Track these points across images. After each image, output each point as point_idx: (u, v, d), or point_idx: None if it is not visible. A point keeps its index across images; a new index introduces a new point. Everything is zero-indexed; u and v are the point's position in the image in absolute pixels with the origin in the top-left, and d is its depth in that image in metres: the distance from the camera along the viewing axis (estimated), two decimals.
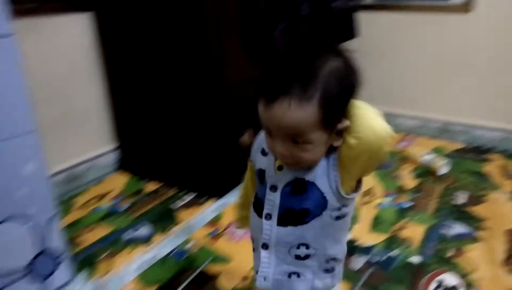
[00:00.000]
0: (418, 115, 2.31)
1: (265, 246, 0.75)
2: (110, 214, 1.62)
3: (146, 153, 1.88)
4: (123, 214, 1.62)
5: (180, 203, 1.70)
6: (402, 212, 1.59)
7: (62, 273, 1.21)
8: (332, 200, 0.69)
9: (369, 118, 0.63)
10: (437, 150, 2.08)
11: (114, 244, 1.43)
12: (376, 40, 2.28)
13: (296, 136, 0.63)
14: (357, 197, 0.74)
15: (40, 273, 1.15)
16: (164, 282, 1.25)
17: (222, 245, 1.42)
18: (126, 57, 1.75)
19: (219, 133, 1.67)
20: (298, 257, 0.74)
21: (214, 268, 1.31)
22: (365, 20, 2.14)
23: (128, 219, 1.58)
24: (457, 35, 2.08)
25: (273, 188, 0.72)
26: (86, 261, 1.34)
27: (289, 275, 0.75)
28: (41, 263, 1.14)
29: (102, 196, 1.75)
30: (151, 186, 1.83)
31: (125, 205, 1.68)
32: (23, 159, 1.04)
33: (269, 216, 0.73)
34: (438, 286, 1.21)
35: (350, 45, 2.09)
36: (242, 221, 0.94)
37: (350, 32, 2.07)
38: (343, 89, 0.62)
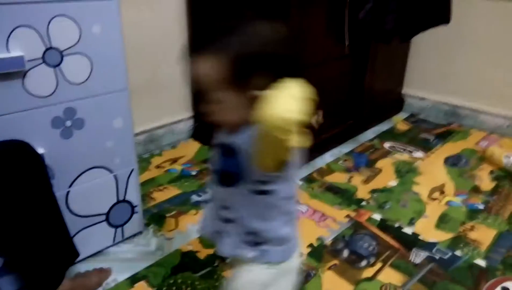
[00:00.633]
0: (506, 114, 2.14)
1: (210, 200, 0.78)
2: (180, 177, 1.73)
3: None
4: (192, 178, 1.72)
5: None
6: (473, 213, 1.51)
7: (134, 224, 1.33)
8: (249, 172, 0.67)
9: (278, 98, 0.57)
10: None
11: (181, 205, 1.54)
12: (470, 28, 2.13)
13: (209, 92, 0.64)
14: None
15: (116, 220, 1.27)
16: None
17: None
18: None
19: None
20: (222, 219, 0.75)
21: None
22: (460, 5, 2.01)
23: (196, 183, 1.68)
24: None
25: (214, 146, 0.73)
26: (155, 217, 1.46)
27: (215, 232, 0.77)
28: (119, 212, 1.27)
29: (174, 160, 1.87)
30: None
31: (194, 170, 1.79)
32: (114, 114, 1.15)
33: (213, 172, 0.74)
34: None
35: (441, 31, 1.99)
36: None
37: (444, 16, 1.96)
38: (259, 54, 0.61)
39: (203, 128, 2.04)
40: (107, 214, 1.24)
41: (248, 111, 0.62)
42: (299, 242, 0.79)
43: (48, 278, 1.01)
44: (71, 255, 1.07)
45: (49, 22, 0.96)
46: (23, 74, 0.95)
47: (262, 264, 0.73)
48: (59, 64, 1.00)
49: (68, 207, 1.13)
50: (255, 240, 0.72)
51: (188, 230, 1.40)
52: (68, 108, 1.05)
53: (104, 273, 1.15)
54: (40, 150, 1.01)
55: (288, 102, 0.56)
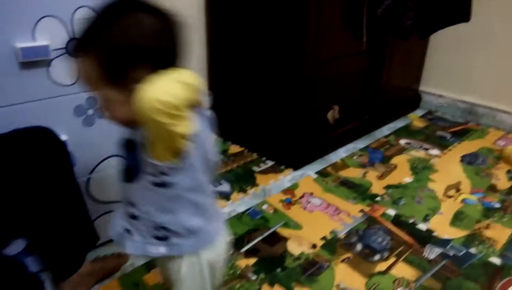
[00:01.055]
0: None
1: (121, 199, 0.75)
2: None
3: (233, 117, 1.99)
4: None
5: (259, 168, 1.78)
6: (488, 212, 1.50)
7: None
8: (146, 164, 0.64)
9: (156, 81, 0.56)
10: None
11: None
12: (489, 26, 2.10)
13: (93, 92, 0.63)
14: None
15: None
16: (238, 235, 1.34)
17: (295, 212, 1.47)
18: (228, 23, 1.83)
19: (305, 106, 1.70)
20: (129, 215, 0.72)
21: (285, 231, 1.37)
22: (480, 3, 1.98)
23: None
24: None
25: (120, 143, 0.71)
26: None
27: (125, 231, 0.73)
28: None
29: None
30: (234, 149, 1.94)
31: None
32: None
33: (121, 170, 0.71)
34: None
35: (460, 28, 1.96)
36: None
37: (464, 14, 1.94)
38: (128, 47, 0.59)
39: (220, 119, 2.06)
40: None
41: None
42: (218, 231, 0.77)
43: (69, 261, 1.05)
44: (92, 239, 1.11)
45: (74, 13, 0.99)
46: (48, 63, 0.98)
47: (178, 257, 0.72)
48: None
49: (89, 193, 1.16)
50: (164, 234, 0.70)
51: None
52: (90, 97, 1.08)
53: (122, 258, 1.18)
54: (63, 137, 1.04)
55: (166, 85, 0.56)
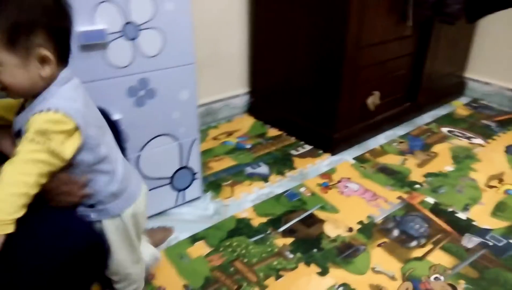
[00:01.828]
0: None
1: None
2: (236, 149, 1.81)
3: (272, 101, 2.01)
4: (247, 151, 1.80)
5: (297, 152, 1.81)
6: None
7: (194, 189, 1.43)
8: None
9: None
10: None
11: (236, 175, 1.62)
12: None
13: None
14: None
15: (179, 184, 1.37)
16: (275, 216, 1.39)
17: (332, 196, 1.50)
18: (270, 9, 1.85)
19: (344, 92, 1.70)
20: None
21: (322, 214, 1.40)
22: None
23: (251, 156, 1.75)
24: None
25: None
26: (213, 185, 1.55)
27: None
28: (181, 177, 1.37)
29: (230, 133, 1.95)
30: (272, 132, 1.97)
31: (249, 144, 1.86)
32: (181, 86, 1.23)
33: None
34: None
35: (510, 14, 1.87)
36: None
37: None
38: (26, 12, 0.64)
39: (260, 103, 2.10)
40: (171, 178, 1.34)
41: (37, 73, 0.67)
42: (137, 187, 0.86)
43: None
44: None
45: None
46: (105, 46, 1.05)
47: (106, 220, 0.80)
48: (135, 38, 1.09)
49: (138, 169, 1.24)
50: (91, 202, 0.78)
51: (243, 198, 1.48)
52: (142, 78, 1.15)
53: (167, 231, 1.26)
54: (117, 116, 1.11)
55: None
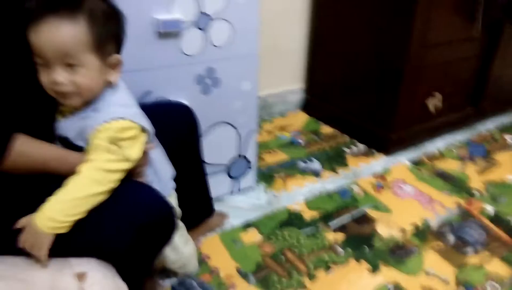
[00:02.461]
0: None
1: None
2: (289, 144, 1.83)
3: (327, 99, 2.01)
4: (300, 147, 1.81)
5: (351, 150, 1.80)
6: None
7: (248, 179, 1.47)
8: None
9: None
10: None
11: (289, 169, 1.64)
12: None
13: (69, 57, 0.64)
14: None
15: (235, 172, 1.42)
16: (327, 211, 1.40)
17: (385, 197, 1.48)
18: (331, 5, 1.85)
19: (404, 92, 1.67)
20: None
21: (375, 213, 1.40)
22: None
23: (304, 152, 1.77)
24: None
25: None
26: (266, 176, 1.59)
27: None
28: (237, 165, 1.41)
29: (283, 128, 1.98)
30: (326, 129, 1.98)
31: (302, 139, 1.87)
32: (244, 76, 1.27)
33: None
34: None
35: None
36: None
37: None
38: (110, 21, 0.68)
39: (315, 100, 2.11)
40: (228, 165, 1.39)
41: (104, 78, 0.70)
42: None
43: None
44: (207, 211, 1.24)
45: None
46: (179, 34, 1.11)
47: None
48: (206, 28, 1.14)
49: None
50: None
51: (295, 191, 1.50)
52: (209, 67, 1.20)
53: (223, 216, 1.31)
54: (184, 102, 1.17)
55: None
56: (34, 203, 0.65)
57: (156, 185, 0.75)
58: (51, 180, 0.68)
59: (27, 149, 0.67)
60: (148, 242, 0.71)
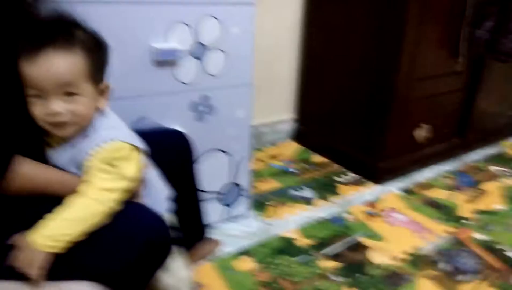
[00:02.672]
0: None
1: None
2: (281, 172, 1.85)
3: (318, 128, 2.05)
4: (291, 175, 1.83)
5: (342, 179, 1.82)
6: None
7: (241, 206, 1.47)
8: None
9: None
10: None
11: (281, 197, 1.65)
12: None
13: (68, 86, 0.66)
14: None
15: (226, 199, 1.42)
16: (319, 238, 1.40)
17: (377, 224, 1.49)
18: (322, 38, 1.92)
19: (393, 123, 1.71)
20: None
21: (367, 241, 1.40)
22: None
23: (295, 180, 1.78)
24: None
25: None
26: (258, 203, 1.59)
27: None
28: (230, 192, 1.41)
29: (274, 156, 2.00)
30: (317, 158, 2.00)
31: (293, 168, 1.89)
32: (238, 104, 1.30)
33: None
34: None
35: None
36: None
37: None
38: (99, 50, 0.71)
39: (305, 130, 2.14)
40: (219, 192, 1.39)
41: (95, 105, 0.72)
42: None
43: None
44: (198, 235, 1.23)
45: (200, 21, 1.13)
46: (174, 63, 1.13)
47: None
48: (202, 57, 1.18)
49: None
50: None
51: (286, 219, 1.50)
52: (203, 95, 1.22)
53: (215, 243, 1.29)
54: (178, 128, 1.18)
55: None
56: (26, 221, 0.64)
57: (150, 205, 0.75)
58: (43, 200, 0.68)
59: (29, 171, 0.67)
60: (143, 262, 0.70)
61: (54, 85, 0.64)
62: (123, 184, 0.70)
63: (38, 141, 0.74)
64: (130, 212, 0.69)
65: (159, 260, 0.74)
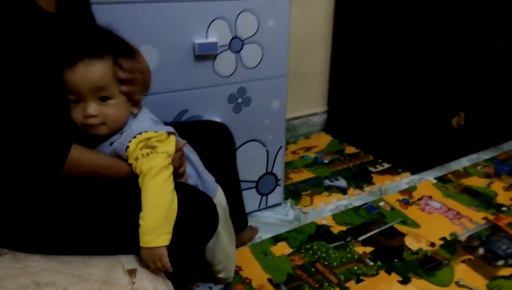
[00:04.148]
0: None
1: None
2: (314, 163, 1.88)
3: (350, 121, 2.07)
4: (325, 166, 1.86)
5: (376, 169, 1.83)
6: None
7: (276, 195, 1.52)
8: None
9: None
10: None
11: (315, 187, 1.68)
12: None
13: (102, 90, 0.73)
14: None
15: (263, 189, 1.47)
16: (355, 225, 1.43)
17: (412, 212, 1.50)
18: (355, 31, 1.93)
19: (427, 112, 1.71)
20: None
21: (403, 228, 1.41)
22: None
23: (329, 170, 1.81)
24: None
25: None
26: (293, 193, 1.63)
27: None
28: (266, 182, 1.46)
29: (308, 148, 2.03)
30: (350, 149, 2.02)
31: (326, 159, 1.92)
32: (273, 96, 1.35)
33: None
34: None
35: None
36: None
37: None
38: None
39: (337, 122, 2.16)
40: (257, 182, 1.44)
41: (129, 110, 0.79)
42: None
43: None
44: (242, 224, 1.29)
45: (238, 16, 1.19)
46: (214, 57, 1.19)
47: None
48: (239, 51, 1.23)
49: None
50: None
51: (322, 207, 1.54)
52: (241, 87, 1.28)
53: (254, 230, 1.35)
54: (217, 120, 1.25)
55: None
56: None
57: (200, 187, 0.81)
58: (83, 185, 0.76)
59: (81, 157, 0.75)
60: (192, 238, 0.77)
61: (89, 90, 0.73)
62: (168, 160, 0.76)
63: (86, 137, 0.81)
64: (178, 191, 0.76)
65: (206, 235, 0.80)
